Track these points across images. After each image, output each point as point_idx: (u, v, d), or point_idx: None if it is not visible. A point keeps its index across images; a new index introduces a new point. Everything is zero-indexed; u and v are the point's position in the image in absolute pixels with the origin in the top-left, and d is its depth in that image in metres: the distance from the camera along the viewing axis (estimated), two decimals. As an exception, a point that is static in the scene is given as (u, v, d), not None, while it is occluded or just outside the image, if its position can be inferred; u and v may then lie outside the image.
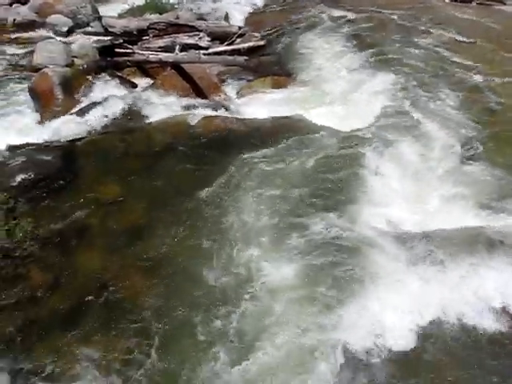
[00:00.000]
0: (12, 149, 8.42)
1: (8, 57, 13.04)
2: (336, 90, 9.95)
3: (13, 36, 14.83)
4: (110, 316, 5.74)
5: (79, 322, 5.70)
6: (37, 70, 10.90)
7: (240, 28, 13.28)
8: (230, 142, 8.24)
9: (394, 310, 5.56)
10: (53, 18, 15.53)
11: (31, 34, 14.98)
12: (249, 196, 7.10)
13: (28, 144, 8.60)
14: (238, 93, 10.45)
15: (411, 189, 7.38)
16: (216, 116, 9.18)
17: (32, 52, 12.15)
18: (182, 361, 5.29)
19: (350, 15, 14.30)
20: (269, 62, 11.64)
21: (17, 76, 11.62)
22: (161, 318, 5.68)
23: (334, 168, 7.48)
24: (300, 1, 16.90)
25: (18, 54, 13.19)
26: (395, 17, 13.61)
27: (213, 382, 5.07)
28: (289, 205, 6.91)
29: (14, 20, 15.79)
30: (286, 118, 8.84)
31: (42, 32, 15.09)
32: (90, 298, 5.94)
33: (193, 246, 6.52)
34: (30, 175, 7.76)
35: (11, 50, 13.67)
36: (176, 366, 5.24)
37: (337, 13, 14.72)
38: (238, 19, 14.61)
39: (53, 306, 5.88)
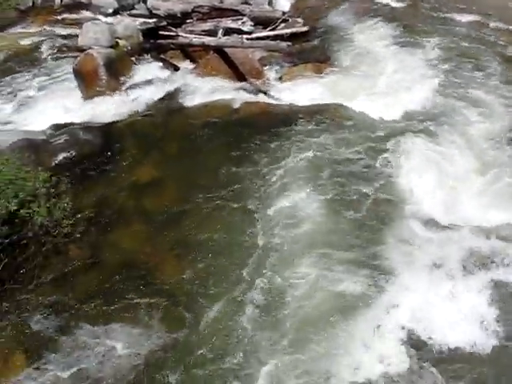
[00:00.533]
0: (55, 128, 8.60)
1: (55, 37, 13.23)
2: (379, 77, 9.77)
3: (60, 17, 15.04)
4: (140, 292, 5.88)
5: (112, 296, 5.86)
6: (82, 50, 11.02)
7: (284, 13, 13.13)
8: (270, 128, 8.19)
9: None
10: (99, 0, 15.71)
11: (77, 15, 15.16)
12: (290, 181, 7.09)
13: (71, 123, 8.77)
14: (279, 78, 10.36)
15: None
16: (257, 101, 9.15)
17: (78, 33, 12.32)
18: (210, 335, 5.38)
19: (395, 2, 14.05)
20: (311, 48, 11.51)
21: (63, 56, 11.78)
22: (190, 297, 5.79)
23: (373, 155, 7.45)
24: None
25: (64, 35, 13.36)
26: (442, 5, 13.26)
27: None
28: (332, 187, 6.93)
29: (62, 1, 16.01)
30: (327, 104, 8.76)
31: (87, 13, 15.25)
32: (123, 275, 6.09)
33: (227, 229, 6.56)
34: (71, 154, 7.92)
35: (58, 30, 13.86)
36: (201, 340, 5.35)
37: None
38: (282, 4, 14.41)
39: (88, 280, 6.06)
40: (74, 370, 5.21)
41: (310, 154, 7.52)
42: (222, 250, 6.31)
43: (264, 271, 5.96)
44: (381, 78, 9.73)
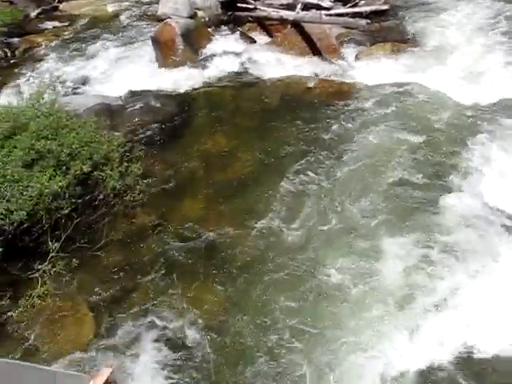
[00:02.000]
0: (131, 94, 8.78)
1: (136, 5, 13.45)
2: (461, 60, 9.38)
3: (142, -14, 15.26)
4: (200, 262, 5.95)
5: (172, 262, 5.97)
6: (161, 20, 11.14)
7: (364, -10, 12.85)
8: (344, 108, 8.07)
9: None
10: (180, -30, 15.81)
11: (158, -16, 15.32)
12: (365, 163, 6.95)
13: (146, 90, 8.93)
14: (356, 56, 10.14)
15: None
16: (332, 79, 9.01)
17: (158, 2, 12.45)
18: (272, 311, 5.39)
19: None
20: (390, 27, 11.19)
21: (143, 25, 12.00)
22: (252, 270, 5.81)
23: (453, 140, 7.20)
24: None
25: (145, 4, 13.56)
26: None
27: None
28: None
29: (143, -30, 16.23)
30: (404, 84, 8.51)
31: (168, -17, 15.41)
32: (188, 243, 6.16)
33: (293, 203, 6.53)
34: (145, 121, 8.08)
35: (139, -1, 14.10)
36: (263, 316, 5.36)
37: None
38: (363, -20, 14.10)
39: (151, 245, 6.19)
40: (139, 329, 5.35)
41: (385, 135, 7.35)
42: (287, 222, 6.28)
43: (338, 252, 5.90)
44: (463, 60, 9.35)
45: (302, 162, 7.09)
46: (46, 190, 5.72)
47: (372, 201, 6.39)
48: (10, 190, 5.63)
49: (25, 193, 5.65)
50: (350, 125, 7.70)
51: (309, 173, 6.91)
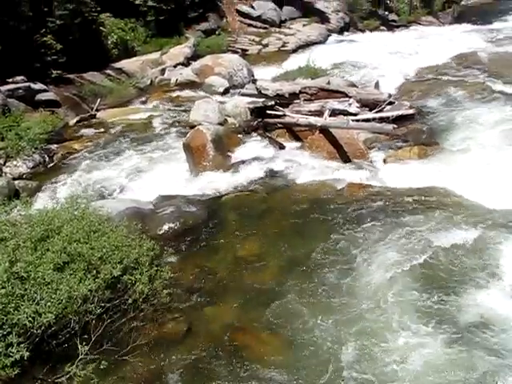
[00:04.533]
0: (162, 199, 8.96)
1: (168, 113, 14.05)
2: (489, 163, 9.42)
3: (174, 94, 16.04)
4: (229, 373, 5.72)
5: (200, 372, 5.76)
6: (192, 126, 11.57)
7: (390, 96, 13.17)
8: (373, 213, 8.06)
9: None
10: (211, 79, 16.61)
11: (190, 92, 16.11)
12: (393, 274, 6.74)
13: (177, 195, 9.13)
14: (384, 160, 10.28)
15: None
16: (360, 183, 9.12)
17: (189, 109, 12.98)
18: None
19: (508, 86, 13.78)
20: (417, 131, 11.41)
21: (174, 131, 12.47)
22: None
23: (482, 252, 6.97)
24: (453, 71, 16.68)
25: (177, 111, 14.17)
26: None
27: None
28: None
29: (177, 80, 17.08)
30: (432, 189, 8.54)
31: (200, 91, 16.20)
32: (215, 351, 5.97)
33: (327, 313, 6.32)
34: (175, 225, 8.16)
35: (172, 107, 14.74)
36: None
37: (494, 83, 14.24)
38: (388, 87, 14.53)
39: (180, 353, 6.01)
40: None
41: (414, 242, 7.23)
42: (320, 335, 6.06)
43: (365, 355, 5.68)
44: (492, 164, 9.38)
45: (332, 269, 6.96)
46: (76, 293, 5.71)
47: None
48: (40, 292, 5.64)
49: (54, 295, 5.65)
50: (380, 230, 7.62)
51: (337, 281, 6.77)
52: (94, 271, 6.12)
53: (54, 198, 8.64)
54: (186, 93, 16.10)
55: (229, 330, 6.24)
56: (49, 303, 5.57)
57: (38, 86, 13.95)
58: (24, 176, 10.75)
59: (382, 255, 7.08)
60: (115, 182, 10.17)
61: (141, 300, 6.43)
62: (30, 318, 5.40)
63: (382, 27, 29.74)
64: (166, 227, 8.11)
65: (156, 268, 6.67)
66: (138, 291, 6.31)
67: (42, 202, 8.78)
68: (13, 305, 5.44)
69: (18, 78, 13.61)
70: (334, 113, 11.73)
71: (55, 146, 12.12)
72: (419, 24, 31.56)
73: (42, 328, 5.49)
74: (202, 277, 7.15)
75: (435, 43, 21.99)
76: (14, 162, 10.97)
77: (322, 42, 25.12)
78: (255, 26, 25.73)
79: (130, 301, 6.31)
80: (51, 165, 11.41)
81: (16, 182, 10.16)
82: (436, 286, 6.46)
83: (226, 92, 16.01)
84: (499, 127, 10.91)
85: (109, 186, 10.02)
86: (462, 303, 6.19)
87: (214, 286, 6.96)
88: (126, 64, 18.18)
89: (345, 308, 6.37)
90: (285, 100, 12.46)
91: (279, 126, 11.97)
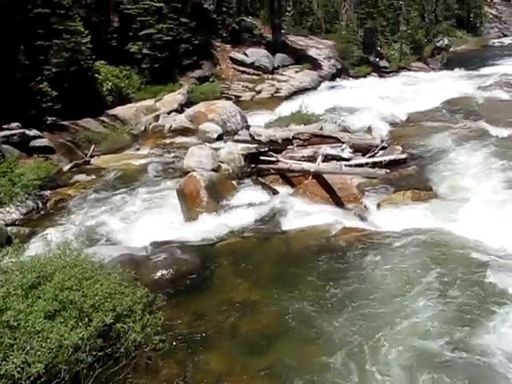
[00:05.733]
0: (156, 245, 8.90)
1: (162, 159, 14.13)
2: (483, 207, 9.49)
3: (168, 141, 16.18)
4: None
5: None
6: (186, 172, 11.61)
7: (382, 141, 13.33)
8: (368, 257, 8.03)
9: None
10: (204, 126, 16.75)
11: (184, 139, 16.24)
12: (392, 322, 6.67)
13: (171, 241, 9.07)
14: (377, 205, 10.32)
15: None
16: (355, 227, 9.10)
17: (183, 156, 13.06)
18: None
19: (497, 131, 14.05)
20: (410, 175, 11.50)
21: (168, 177, 12.51)
22: None
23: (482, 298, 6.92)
24: (444, 116, 17.00)
25: (171, 157, 14.25)
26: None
27: None
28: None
29: (170, 126, 17.23)
30: (426, 233, 8.52)
31: (193, 138, 16.31)
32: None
33: (320, 365, 6.18)
34: (169, 272, 8.09)
35: (165, 153, 14.84)
36: None
37: (484, 127, 14.53)
38: (380, 132, 14.71)
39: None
40: None
41: (410, 283, 7.23)
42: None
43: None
44: (485, 207, 9.43)
45: (325, 316, 6.87)
46: (67, 342, 5.59)
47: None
48: (30, 341, 5.53)
49: (44, 344, 5.53)
50: (374, 273, 7.61)
51: (333, 325, 6.68)
52: (86, 319, 6.02)
53: (46, 245, 8.54)
54: (180, 139, 16.24)
55: (222, 377, 6.12)
56: (39, 352, 5.44)
57: (33, 132, 14.03)
58: (17, 222, 10.67)
59: (377, 304, 7.01)
60: (108, 228, 10.11)
61: (133, 348, 6.33)
62: (18, 369, 5.27)
63: (373, 73, 30.47)
64: (159, 274, 8.03)
65: (149, 316, 6.57)
66: (131, 339, 6.21)
67: (35, 248, 8.67)
68: (1, 355, 5.32)
69: (13, 124, 13.68)
70: (327, 158, 11.83)
71: (49, 192, 12.10)
72: (409, 70, 32.48)
73: (31, 379, 5.35)
74: (196, 323, 7.04)
75: (425, 88, 22.45)
76: (7, 208, 10.91)
77: (315, 88, 25.62)
78: (248, 73, 26.21)
79: (122, 349, 6.20)
80: (44, 211, 11.36)
81: (8, 228, 10.07)
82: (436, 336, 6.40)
83: (219, 138, 16.13)
84: (491, 171, 11.07)
85: (102, 232, 9.96)
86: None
87: (208, 332, 6.84)
88: (120, 111, 18.37)
89: (339, 360, 6.21)
90: (278, 146, 12.56)
91: (273, 171, 12.03)
